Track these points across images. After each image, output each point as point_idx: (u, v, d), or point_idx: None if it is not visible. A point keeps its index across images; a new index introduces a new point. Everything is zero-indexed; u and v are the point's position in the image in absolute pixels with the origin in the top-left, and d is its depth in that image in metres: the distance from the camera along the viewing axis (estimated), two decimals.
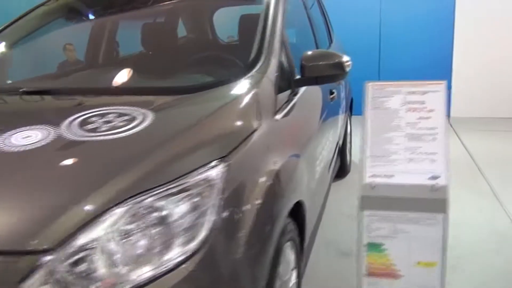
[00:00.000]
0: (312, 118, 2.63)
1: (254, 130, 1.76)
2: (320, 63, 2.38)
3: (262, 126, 1.83)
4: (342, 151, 4.08)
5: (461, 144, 5.42)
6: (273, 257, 1.59)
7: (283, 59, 2.35)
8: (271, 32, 2.35)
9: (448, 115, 6.63)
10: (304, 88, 2.48)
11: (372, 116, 1.75)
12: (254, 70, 2.12)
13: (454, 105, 6.60)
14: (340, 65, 2.41)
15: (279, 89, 2.19)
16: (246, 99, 1.93)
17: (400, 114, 1.73)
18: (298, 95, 2.39)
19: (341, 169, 4.14)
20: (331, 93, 3.20)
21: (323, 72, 2.36)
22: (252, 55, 2.23)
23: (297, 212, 1.99)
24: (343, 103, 3.95)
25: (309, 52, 2.45)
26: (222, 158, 1.56)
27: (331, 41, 4.31)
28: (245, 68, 2.15)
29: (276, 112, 2.04)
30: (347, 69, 2.46)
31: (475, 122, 6.31)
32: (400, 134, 1.71)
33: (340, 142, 3.83)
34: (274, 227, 1.61)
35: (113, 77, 2.45)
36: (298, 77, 2.42)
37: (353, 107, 4.61)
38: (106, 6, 2.82)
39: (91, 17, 2.89)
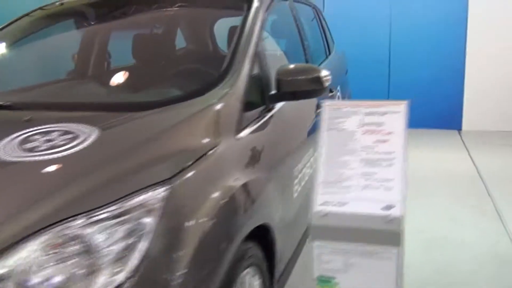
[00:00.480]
0: (290, 135, 2.50)
1: (209, 150, 1.67)
2: (297, 77, 2.28)
3: (220, 145, 1.74)
4: None
5: (470, 159, 5.21)
6: (224, 285, 1.50)
7: (257, 73, 2.26)
8: (244, 45, 2.26)
9: (460, 128, 6.41)
10: (282, 104, 2.38)
11: (327, 138, 1.63)
12: (220, 85, 2.04)
13: (466, 118, 6.38)
14: (318, 80, 2.30)
15: (249, 105, 2.10)
16: (202, 117, 1.85)
17: (356, 136, 1.60)
18: (273, 111, 2.29)
19: None
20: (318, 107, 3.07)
21: (300, 87, 2.26)
22: (221, 69, 2.15)
23: (266, 236, 1.90)
24: None
25: (285, 66, 2.35)
26: (164, 181, 1.48)
27: (328, 54, 4.18)
28: (211, 83, 2.06)
29: (241, 129, 1.94)
30: (326, 84, 2.35)
31: (487, 136, 6.07)
32: (356, 158, 1.58)
33: None
34: (225, 253, 1.52)
35: (75, 92, 2.39)
36: (273, 92, 2.32)
37: None
38: (82, 18, 2.77)
39: (69, 29, 2.85)
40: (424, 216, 3.65)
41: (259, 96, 2.25)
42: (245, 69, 2.13)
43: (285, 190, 2.23)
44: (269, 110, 2.26)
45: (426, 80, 6.59)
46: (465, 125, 6.39)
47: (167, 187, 1.45)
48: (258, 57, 2.28)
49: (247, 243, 1.68)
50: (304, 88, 2.25)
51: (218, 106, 1.89)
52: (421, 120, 6.24)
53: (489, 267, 2.91)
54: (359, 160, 1.58)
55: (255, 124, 2.09)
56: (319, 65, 3.48)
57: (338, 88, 3.75)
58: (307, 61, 3.18)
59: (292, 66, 2.39)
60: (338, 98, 3.74)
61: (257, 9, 2.45)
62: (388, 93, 6.80)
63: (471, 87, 6.33)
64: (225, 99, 1.95)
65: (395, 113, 1.59)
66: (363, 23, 6.70)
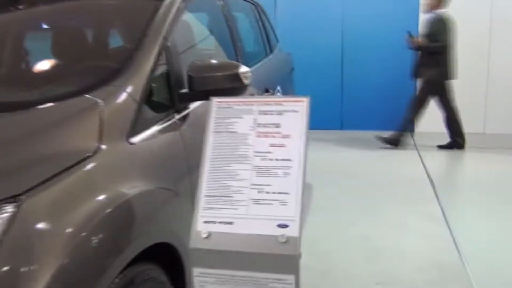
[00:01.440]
0: None
1: (85, 158, 1.42)
2: (212, 74, 2.01)
3: (103, 152, 1.48)
4: None
5: (420, 161, 5.03)
6: None
7: (166, 70, 1.97)
8: (150, 39, 1.98)
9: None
10: (198, 105, 2.09)
11: (214, 142, 1.34)
12: (113, 82, 1.75)
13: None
14: (236, 77, 2.04)
15: (152, 105, 1.82)
16: (80, 118, 1.57)
17: (248, 140, 1.32)
18: (183, 113, 2.00)
19: None
20: None
21: (216, 85, 1.99)
22: (119, 65, 1.87)
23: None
24: None
25: (198, 62, 2.08)
26: (11, 198, 1.19)
27: (269, 52, 3.91)
28: (104, 80, 1.77)
29: (138, 132, 1.65)
30: (246, 81, 2.09)
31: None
32: (247, 167, 1.30)
33: None
34: (103, 276, 1.27)
35: None
36: (184, 91, 2.03)
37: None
38: None
39: None
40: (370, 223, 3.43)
41: (167, 96, 1.97)
42: (147, 65, 1.84)
43: None
44: (179, 112, 1.97)
45: (379, 81, 6.43)
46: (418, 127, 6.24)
47: (15, 204, 1.18)
48: (169, 52, 1.99)
49: (145, 264, 1.46)
50: (221, 86, 1.99)
51: (104, 105, 1.60)
52: (372, 122, 6.08)
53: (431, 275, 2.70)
54: (251, 168, 1.30)
55: (158, 127, 1.81)
56: (255, 64, 3.21)
57: (278, 88, 3.49)
58: (237, 60, 2.90)
59: (206, 61, 2.11)
60: None
61: (171, 2, 2.17)
62: (342, 93, 6.61)
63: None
64: (116, 97, 1.67)
65: (294, 113, 1.32)
66: (316, 22, 6.50)
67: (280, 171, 1.28)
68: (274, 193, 1.27)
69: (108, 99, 1.65)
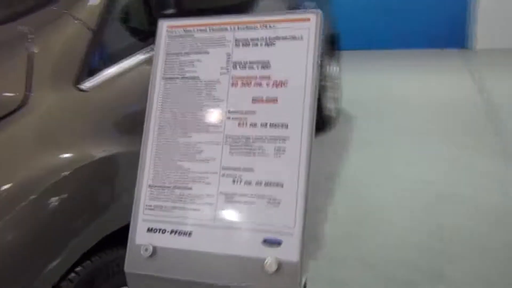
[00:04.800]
0: None
1: (14, 110, 1.00)
2: None
3: (33, 104, 1.03)
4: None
5: (475, 83, 4.27)
6: None
7: None
8: None
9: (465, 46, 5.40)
10: None
11: (163, 95, 0.80)
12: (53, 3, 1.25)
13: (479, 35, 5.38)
14: None
15: (120, 34, 1.32)
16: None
17: (217, 92, 0.77)
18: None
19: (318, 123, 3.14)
20: None
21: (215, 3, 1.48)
22: None
23: None
24: None
25: None
26: None
27: None
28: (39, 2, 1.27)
29: (88, 76, 1.18)
30: None
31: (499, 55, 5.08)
32: (214, 137, 0.77)
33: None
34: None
35: None
36: (169, 11, 1.49)
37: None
38: None
39: None
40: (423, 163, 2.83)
41: (138, 22, 1.47)
42: None
43: None
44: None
45: None
46: (476, 43, 5.38)
47: None
48: None
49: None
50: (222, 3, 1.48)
51: (36, 37, 1.14)
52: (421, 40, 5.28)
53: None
54: (221, 141, 0.76)
55: (128, 63, 1.31)
56: None
57: None
58: None
59: None
60: None
61: None
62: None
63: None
64: (53, 26, 1.19)
65: (294, 41, 0.75)
66: None
67: (269, 146, 0.73)
68: (259, 183, 0.73)
69: (43, 27, 1.15)
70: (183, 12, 1.42)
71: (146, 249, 0.76)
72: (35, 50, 1.11)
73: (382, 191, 2.47)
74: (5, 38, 1.16)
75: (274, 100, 0.75)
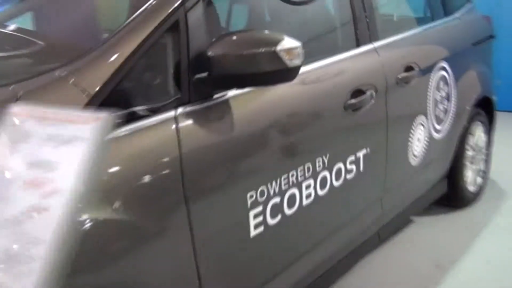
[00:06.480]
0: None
1: None
2: (236, 52, 1.44)
3: None
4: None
5: None
6: None
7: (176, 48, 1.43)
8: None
9: None
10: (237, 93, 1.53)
11: None
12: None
13: None
14: (274, 56, 1.40)
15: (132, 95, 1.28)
16: None
17: (12, 190, 0.69)
18: (196, 106, 1.46)
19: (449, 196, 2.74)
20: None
21: (240, 68, 1.43)
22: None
23: None
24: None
25: (226, 35, 1.52)
26: None
27: (442, 15, 2.84)
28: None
29: None
30: (292, 61, 1.47)
31: None
32: None
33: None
34: None
35: None
36: (198, 76, 1.44)
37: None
38: None
39: None
40: None
41: (167, 82, 1.43)
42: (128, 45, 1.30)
43: None
44: (186, 104, 1.41)
45: None
46: None
47: None
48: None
49: None
50: (247, 69, 1.39)
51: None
52: None
53: None
54: None
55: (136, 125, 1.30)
56: (396, 33, 2.33)
57: (444, 65, 2.50)
58: (357, 31, 2.09)
59: (233, 34, 1.53)
60: (446, 81, 2.51)
61: None
62: None
63: None
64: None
65: (78, 142, 0.63)
66: None
67: (22, 269, 0.62)
68: None
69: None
70: (212, 76, 1.38)
71: None
72: None
73: None
74: None
75: (46, 209, 0.64)
